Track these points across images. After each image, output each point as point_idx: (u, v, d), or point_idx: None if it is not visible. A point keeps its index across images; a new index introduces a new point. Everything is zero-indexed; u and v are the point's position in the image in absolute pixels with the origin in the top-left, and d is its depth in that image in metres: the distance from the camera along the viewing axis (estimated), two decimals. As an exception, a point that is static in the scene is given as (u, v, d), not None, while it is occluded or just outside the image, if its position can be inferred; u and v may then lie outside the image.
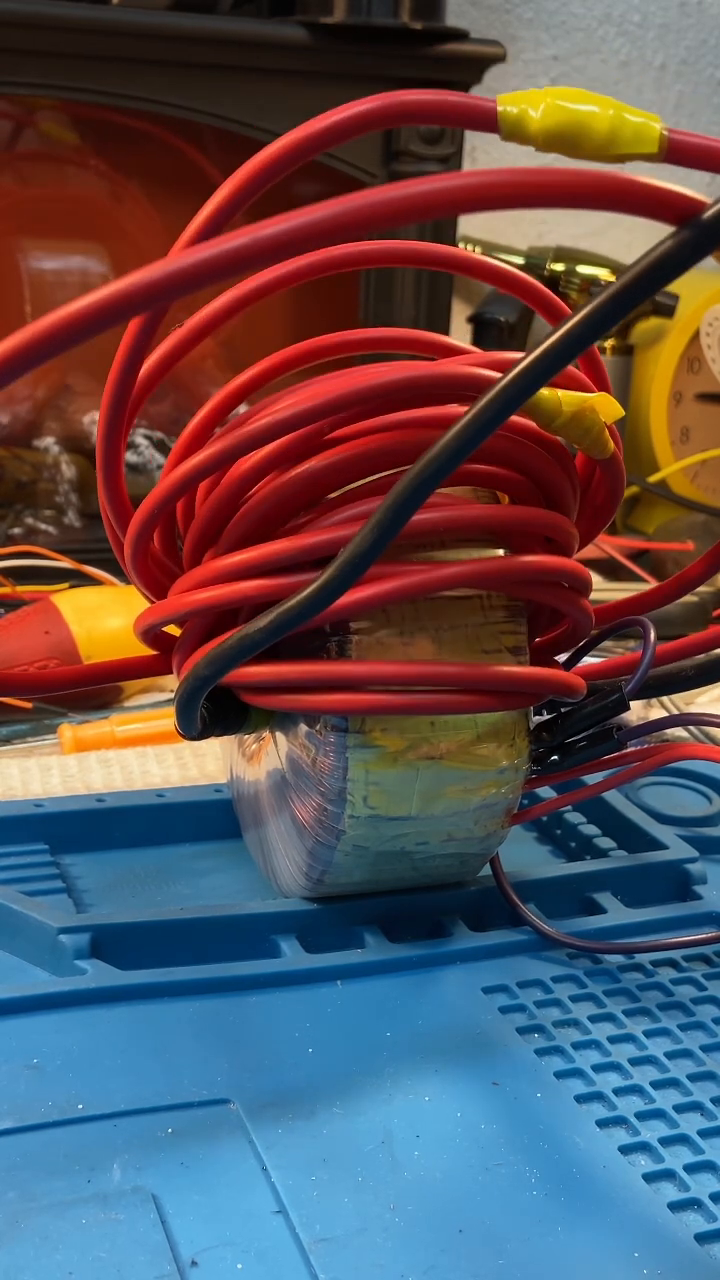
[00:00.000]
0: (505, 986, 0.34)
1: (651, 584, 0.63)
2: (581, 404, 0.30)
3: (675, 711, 0.56)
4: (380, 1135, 0.28)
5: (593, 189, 0.22)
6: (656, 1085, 0.30)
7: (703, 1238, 0.26)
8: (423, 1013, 0.33)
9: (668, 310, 0.91)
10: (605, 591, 0.73)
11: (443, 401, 0.31)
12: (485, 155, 1.00)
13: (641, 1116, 0.30)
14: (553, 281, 0.92)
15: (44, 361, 0.20)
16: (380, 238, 0.30)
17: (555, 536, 0.33)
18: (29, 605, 0.59)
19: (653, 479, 0.92)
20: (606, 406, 0.31)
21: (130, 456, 0.84)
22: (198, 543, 0.33)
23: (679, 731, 0.51)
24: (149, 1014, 0.32)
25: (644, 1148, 0.29)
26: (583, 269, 0.93)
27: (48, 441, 0.84)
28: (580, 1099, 0.30)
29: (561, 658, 0.37)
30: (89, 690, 0.56)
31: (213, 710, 0.34)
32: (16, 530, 0.80)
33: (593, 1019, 0.33)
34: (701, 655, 0.37)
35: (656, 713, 0.58)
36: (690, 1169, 0.28)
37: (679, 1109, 0.30)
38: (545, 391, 0.30)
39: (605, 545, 0.79)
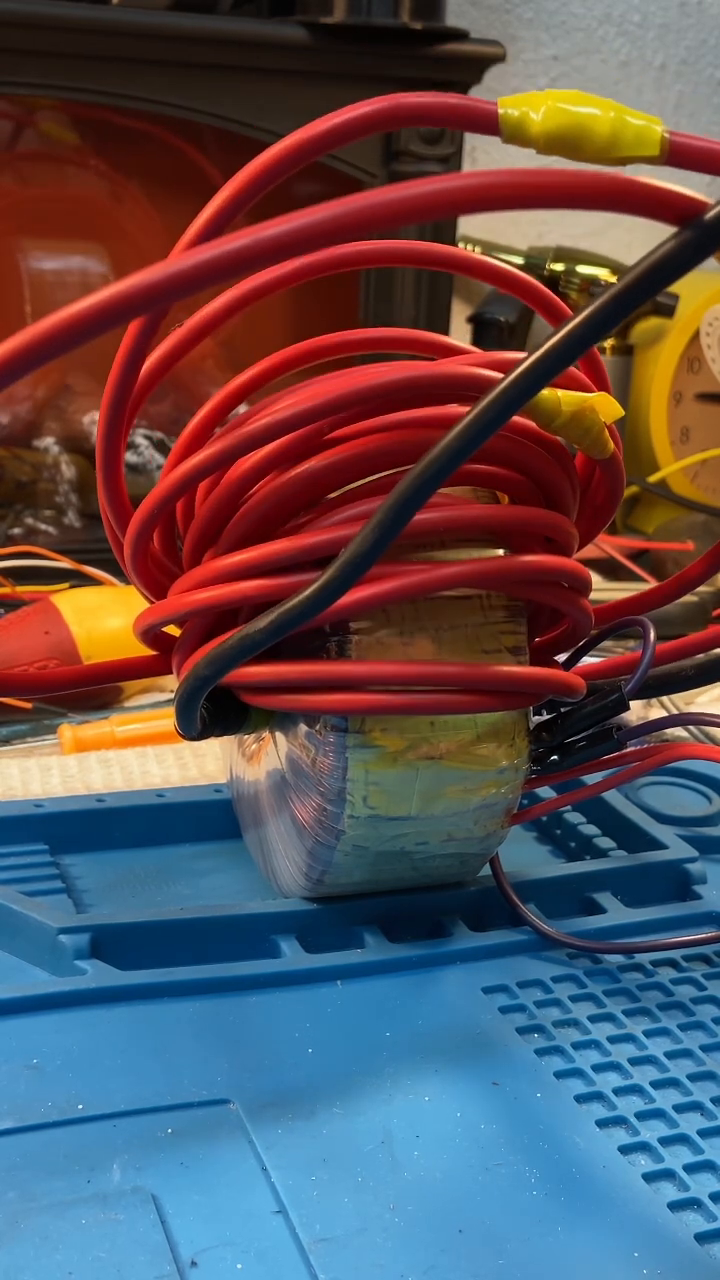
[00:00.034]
0: (505, 986, 0.34)
1: (651, 584, 0.63)
2: (581, 404, 0.30)
3: (675, 711, 0.56)
4: (380, 1135, 0.28)
5: (593, 190, 0.22)
6: (656, 1085, 0.31)
7: (703, 1238, 0.26)
8: (423, 1013, 0.33)
9: (668, 310, 0.91)
10: (605, 591, 0.73)
11: (443, 401, 0.31)
12: (485, 156, 1.00)
13: (641, 1116, 0.30)
14: (553, 281, 0.92)
15: (44, 364, 0.20)
16: (380, 238, 0.30)
17: (555, 536, 0.33)
18: (29, 605, 0.59)
19: (653, 479, 0.92)
20: (606, 406, 0.31)
21: (130, 456, 0.84)
22: (198, 543, 0.33)
23: (679, 731, 0.51)
24: (149, 1014, 0.32)
25: (644, 1148, 0.29)
26: (583, 269, 0.93)
27: (48, 441, 0.84)
28: (580, 1099, 0.30)
29: (561, 658, 0.37)
30: (89, 690, 0.56)
31: (213, 710, 0.34)
32: (16, 530, 0.80)
33: (593, 1019, 0.33)
34: (701, 655, 0.37)
35: (656, 713, 0.58)
36: (690, 1169, 0.28)
37: (679, 1109, 0.30)
38: (545, 391, 0.30)
39: (605, 545, 0.79)
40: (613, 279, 0.92)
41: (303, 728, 0.33)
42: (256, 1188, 0.27)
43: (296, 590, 0.29)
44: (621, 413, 0.31)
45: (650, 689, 0.37)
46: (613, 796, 0.43)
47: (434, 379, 0.30)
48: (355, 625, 0.31)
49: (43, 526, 0.81)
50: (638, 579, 0.78)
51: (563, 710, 0.36)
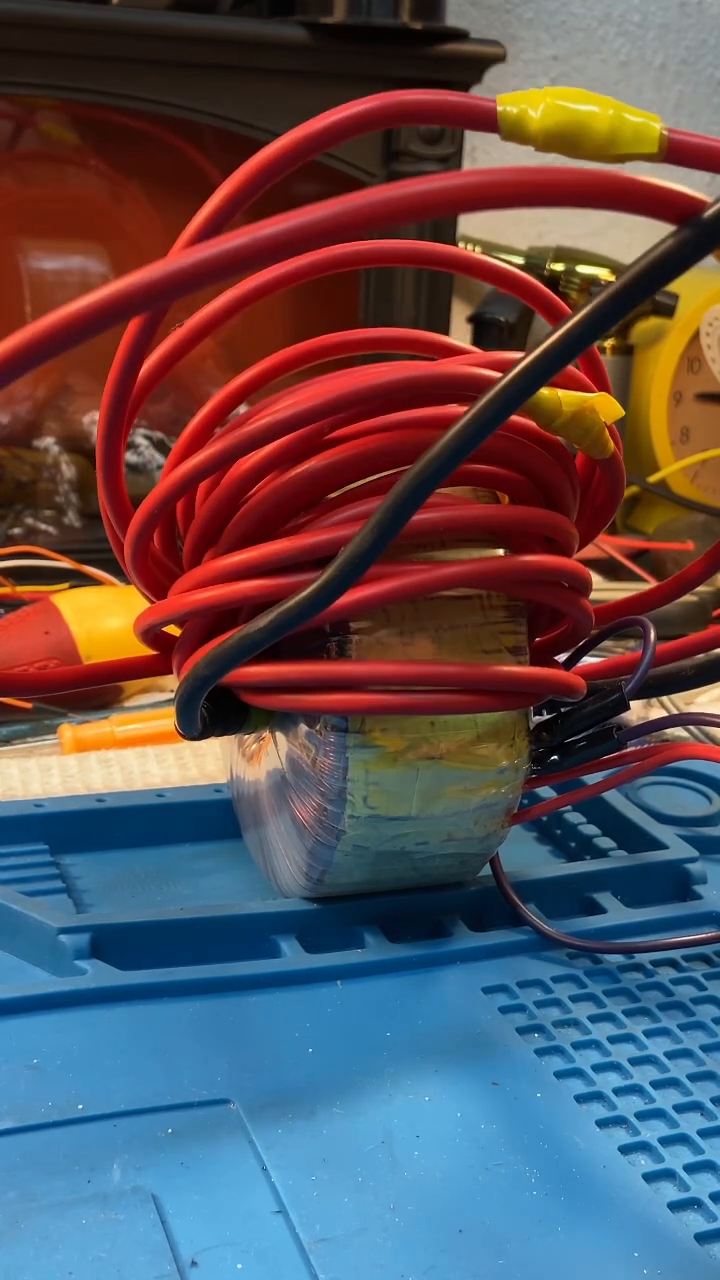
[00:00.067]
0: (505, 986, 0.34)
1: (651, 584, 0.63)
2: (581, 404, 0.30)
3: (675, 711, 0.56)
4: (380, 1135, 0.28)
5: (593, 188, 0.22)
6: (656, 1085, 0.30)
7: (703, 1238, 0.26)
8: (423, 1013, 0.33)
9: (668, 310, 0.91)
10: (605, 591, 0.73)
11: (443, 401, 0.31)
12: (485, 155, 1.00)
13: (641, 1116, 0.30)
14: (553, 281, 0.92)
15: (44, 361, 0.20)
16: (380, 237, 0.30)
17: (555, 536, 0.33)
18: (29, 605, 0.59)
19: (653, 479, 0.92)
20: (606, 406, 0.31)
21: (130, 456, 0.84)
22: (198, 543, 0.33)
23: (679, 731, 0.51)
24: (149, 1014, 0.32)
25: (644, 1148, 0.29)
26: (583, 269, 0.93)
27: (48, 441, 0.84)
28: (580, 1099, 0.30)
29: (561, 658, 0.37)
30: (89, 690, 0.56)
31: (213, 710, 0.34)
32: (16, 530, 0.80)
33: (593, 1019, 0.33)
34: (701, 655, 0.37)
35: (656, 713, 0.58)
36: (690, 1169, 0.28)
37: (679, 1109, 0.30)
38: (545, 391, 0.30)
39: (605, 545, 0.79)
40: (613, 279, 0.92)
41: (303, 728, 0.33)
42: (256, 1188, 0.27)
43: (296, 590, 0.29)
44: (622, 413, 0.31)
45: (650, 689, 0.37)
46: (613, 796, 0.43)
47: (434, 379, 0.30)
48: (355, 625, 0.31)
49: (43, 526, 0.81)
50: (638, 579, 0.78)
51: (563, 710, 0.36)
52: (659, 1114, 0.30)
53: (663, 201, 0.22)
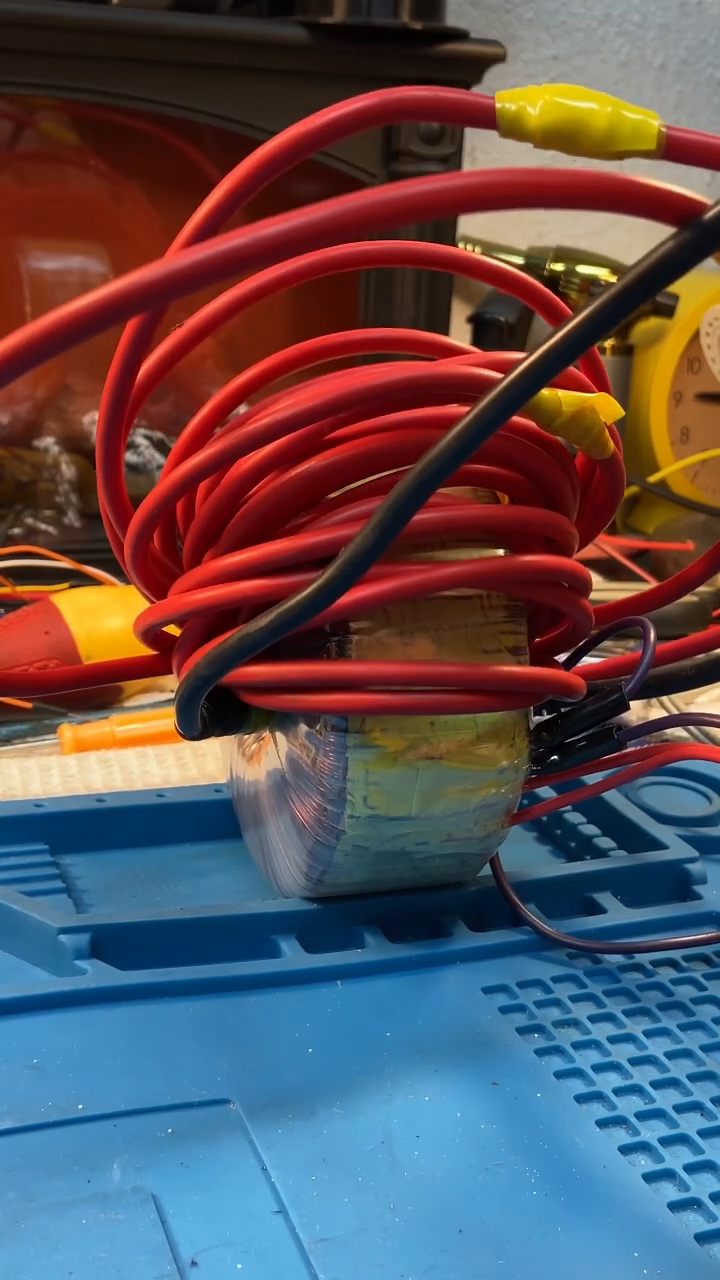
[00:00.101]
0: (505, 986, 0.34)
1: (651, 584, 0.63)
2: (581, 404, 0.30)
3: (675, 711, 0.56)
4: (380, 1135, 0.28)
5: (593, 189, 0.22)
6: (656, 1085, 0.30)
7: (703, 1238, 0.26)
8: (423, 1013, 0.33)
9: (668, 310, 0.91)
10: (605, 591, 0.73)
11: (443, 402, 0.31)
12: (485, 155, 1.00)
13: (641, 1116, 0.30)
14: (553, 281, 0.92)
15: (43, 361, 0.20)
16: (380, 237, 0.30)
17: (555, 536, 0.33)
18: (29, 605, 0.59)
19: (653, 479, 0.92)
20: (606, 406, 0.31)
21: (130, 456, 0.84)
22: (198, 543, 0.33)
23: (679, 731, 0.51)
24: (149, 1014, 0.32)
25: (644, 1148, 0.29)
26: (583, 269, 0.93)
27: (48, 441, 0.84)
28: (580, 1099, 0.30)
29: (561, 658, 0.37)
30: (89, 690, 0.56)
31: (213, 710, 0.34)
32: (16, 530, 0.80)
33: (593, 1019, 0.33)
34: (701, 655, 0.37)
35: (656, 713, 0.58)
36: (690, 1169, 0.28)
37: (679, 1109, 0.30)
38: (545, 391, 0.30)
39: (605, 545, 0.79)
40: (613, 279, 0.92)
41: (303, 728, 0.33)
42: (256, 1188, 0.27)
43: (296, 590, 0.29)
44: (622, 413, 0.31)
45: (650, 689, 0.37)
46: (613, 796, 0.43)
47: (434, 379, 0.30)
48: (355, 625, 0.31)
49: (43, 526, 0.81)
50: (638, 579, 0.78)
51: (563, 710, 0.36)
52: (659, 1114, 0.30)
53: (662, 203, 0.22)
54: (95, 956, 0.33)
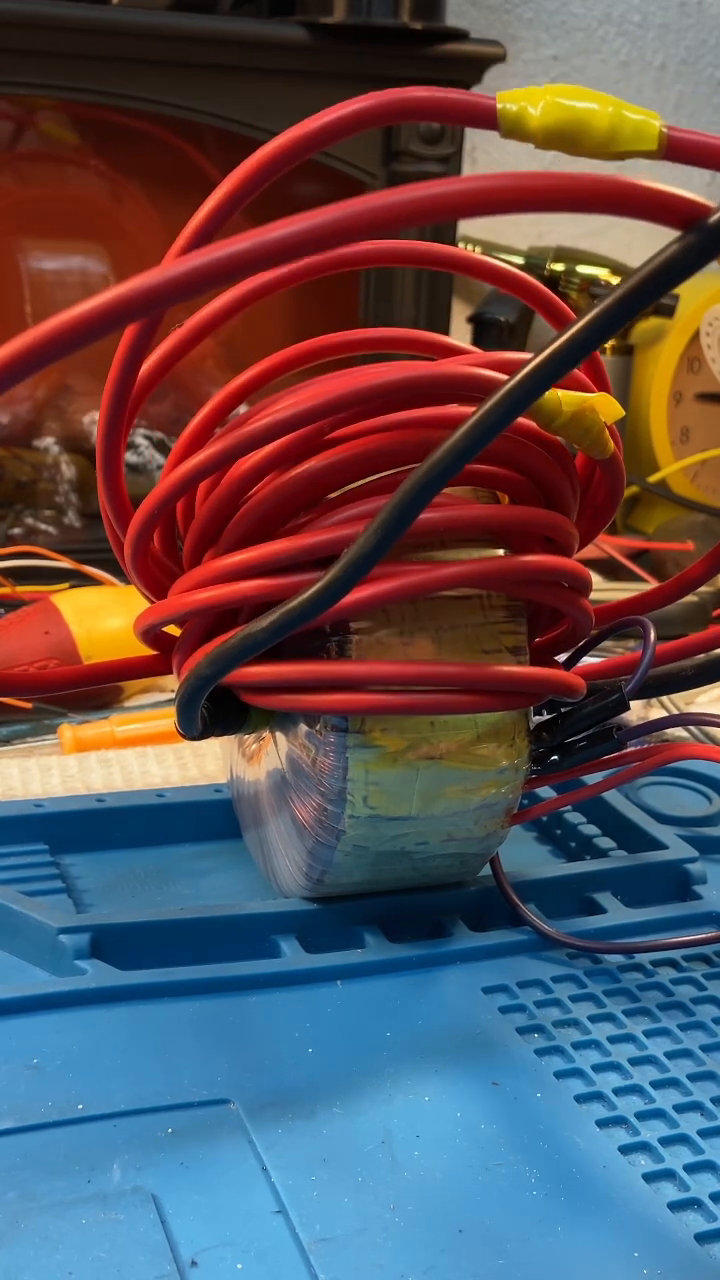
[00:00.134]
0: (505, 986, 0.34)
1: (651, 584, 0.63)
2: (582, 404, 0.30)
3: (675, 711, 0.56)
4: (380, 1135, 0.28)
5: (595, 193, 0.22)
6: (656, 1085, 0.30)
7: (703, 1238, 0.26)
8: (423, 1013, 0.33)
9: (668, 310, 0.91)
10: (605, 591, 0.73)
11: (443, 402, 0.31)
12: (485, 155, 1.00)
13: (641, 1116, 0.30)
14: (553, 281, 0.92)
15: (43, 368, 0.20)
16: (381, 238, 0.30)
17: (555, 536, 0.33)
18: (29, 605, 0.59)
19: (653, 479, 0.92)
20: (606, 407, 0.31)
21: (130, 456, 0.84)
22: (198, 543, 0.33)
23: (679, 731, 0.51)
24: (149, 1014, 0.32)
25: (644, 1148, 0.29)
26: (583, 269, 0.93)
27: (48, 441, 0.84)
28: (580, 1099, 0.30)
29: (561, 658, 0.37)
30: (89, 690, 0.56)
31: (213, 710, 0.34)
32: (16, 530, 0.80)
33: (593, 1019, 0.33)
34: (701, 655, 0.37)
35: (656, 713, 0.58)
36: (690, 1169, 0.28)
37: (679, 1109, 0.30)
38: (546, 392, 0.30)
39: (605, 545, 0.79)
40: (613, 279, 0.92)
41: (303, 728, 0.33)
42: (256, 1188, 0.27)
43: (297, 590, 0.29)
44: (622, 413, 0.31)
45: (650, 689, 0.37)
46: (613, 796, 0.43)
47: (434, 379, 0.30)
48: (355, 625, 0.31)
49: (43, 526, 0.81)
50: (638, 579, 0.78)
51: (563, 710, 0.36)
52: (659, 1114, 0.30)
53: (666, 206, 0.22)
54: (95, 956, 0.33)
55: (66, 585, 0.67)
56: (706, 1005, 0.34)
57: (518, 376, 0.25)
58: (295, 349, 0.34)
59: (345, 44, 0.75)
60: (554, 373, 0.25)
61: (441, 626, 0.32)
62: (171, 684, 0.45)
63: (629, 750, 0.36)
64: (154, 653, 0.37)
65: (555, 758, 0.36)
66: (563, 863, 0.41)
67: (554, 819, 0.43)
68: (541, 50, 1.03)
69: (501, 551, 0.32)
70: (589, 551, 0.71)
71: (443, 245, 0.33)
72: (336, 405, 0.29)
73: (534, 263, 0.94)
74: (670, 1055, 0.32)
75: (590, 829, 0.42)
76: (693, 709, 0.58)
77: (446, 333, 0.84)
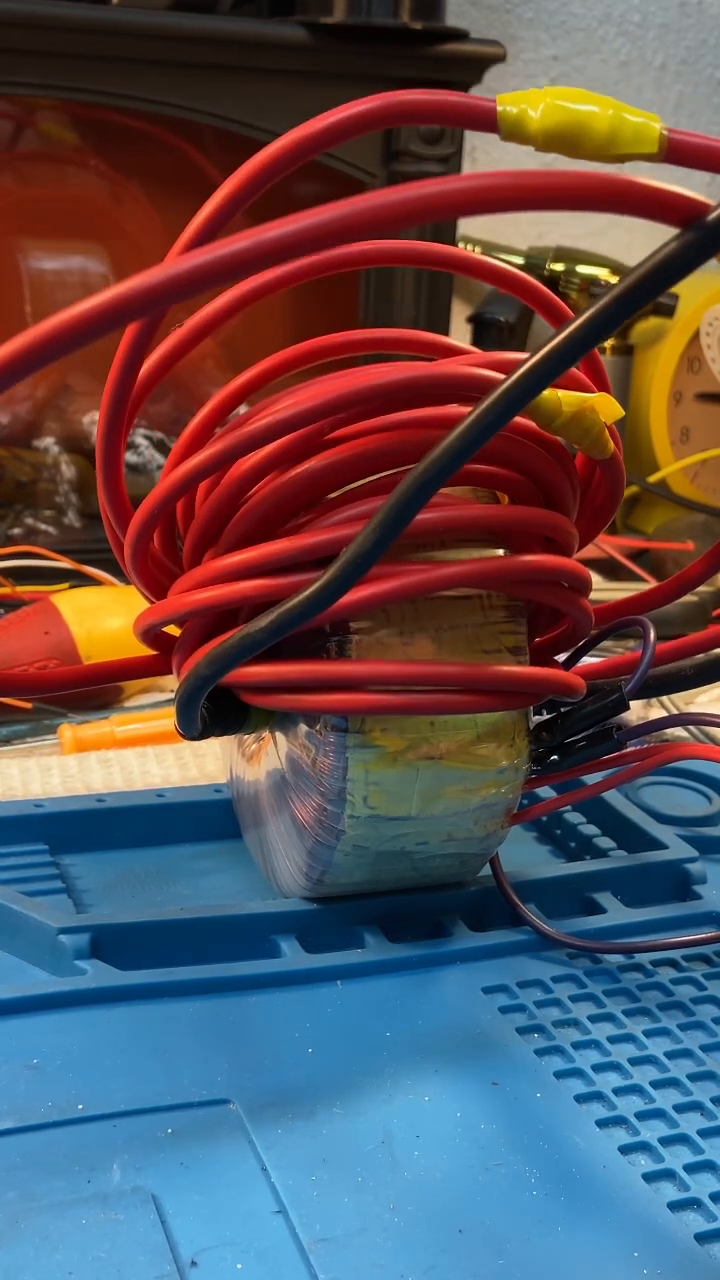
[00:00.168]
0: (505, 986, 0.34)
1: (651, 584, 0.63)
2: (581, 404, 0.30)
3: (675, 711, 0.56)
4: (380, 1135, 0.28)
5: (595, 191, 0.22)
6: (656, 1085, 0.30)
7: (703, 1238, 0.26)
8: (423, 1013, 0.33)
9: (668, 310, 0.91)
10: (605, 591, 0.73)
11: (443, 402, 0.31)
12: (485, 155, 1.00)
13: (641, 1116, 0.30)
14: (553, 281, 0.92)
15: (43, 366, 0.20)
16: (380, 237, 0.30)
17: (555, 536, 0.33)
18: (29, 605, 0.59)
19: (653, 479, 0.92)
20: (606, 407, 0.31)
21: (130, 456, 0.84)
22: (198, 543, 0.33)
23: (679, 731, 0.51)
24: (149, 1014, 0.32)
25: (644, 1147, 0.29)
26: (583, 269, 0.93)
27: (48, 441, 0.84)
28: (580, 1099, 0.30)
29: (561, 657, 0.37)
30: (89, 690, 0.56)
31: (213, 710, 0.34)
32: (16, 530, 0.80)
33: (593, 1019, 0.33)
34: (701, 655, 0.37)
35: (656, 713, 0.58)
36: (690, 1169, 0.28)
37: (679, 1109, 0.30)
38: (545, 392, 0.30)
39: (605, 545, 0.79)
40: (613, 279, 0.92)
41: (303, 728, 0.33)
42: (256, 1188, 0.27)
43: (297, 590, 0.29)
44: (622, 413, 0.31)
45: (650, 689, 0.37)
46: (613, 796, 0.43)
47: (434, 379, 0.30)
48: (355, 625, 0.31)
49: (43, 526, 0.81)
50: (638, 579, 0.78)
51: (563, 710, 0.36)
52: (659, 1114, 0.30)
53: (664, 204, 0.22)
54: (95, 956, 0.33)
55: (66, 585, 0.67)
56: (706, 1005, 0.34)
57: (515, 375, 0.25)
58: (295, 349, 0.34)
59: (345, 44, 0.75)
60: (552, 371, 0.25)
61: (441, 626, 0.32)
62: (171, 684, 0.45)
63: (629, 750, 0.36)
64: (154, 653, 0.37)
65: (555, 758, 0.36)
66: (563, 863, 0.41)
67: (554, 819, 0.43)
68: (541, 50, 1.03)
69: (501, 551, 0.32)
70: (589, 551, 0.72)
71: (443, 245, 0.33)
72: (336, 405, 0.29)
73: (534, 263, 0.94)
74: (670, 1055, 0.32)
75: (590, 829, 0.42)
76: (693, 709, 0.58)
77: (446, 333, 0.84)
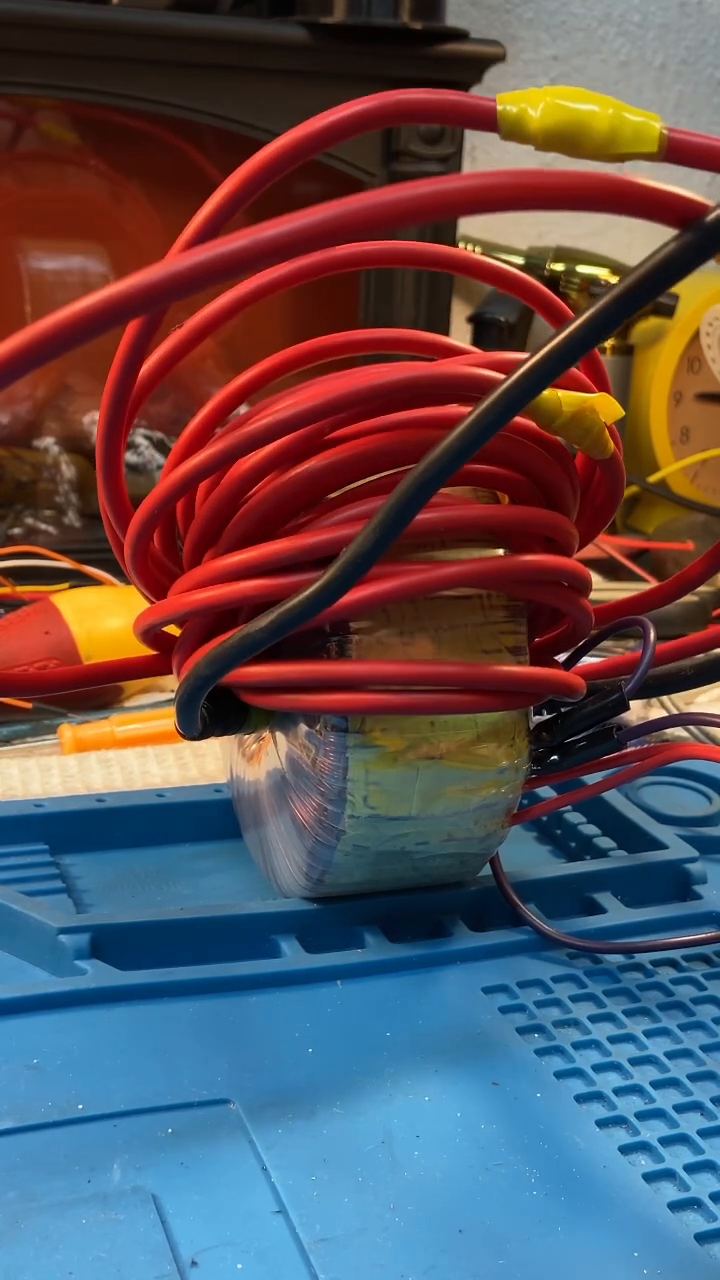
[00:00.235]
0: (505, 986, 0.34)
1: (651, 584, 0.63)
2: (581, 404, 0.30)
3: (675, 711, 0.56)
4: (380, 1135, 0.28)
5: (593, 191, 0.22)
6: (656, 1085, 0.30)
7: (703, 1238, 0.26)
8: (423, 1013, 0.33)
9: (668, 310, 0.91)
10: (605, 591, 0.73)
11: (443, 402, 0.31)
12: (485, 155, 1.00)
13: (641, 1116, 0.30)
14: (553, 281, 0.92)
15: (44, 364, 0.20)
16: (380, 238, 0.30)
17: (555, 536, 0.33)
18: (29, 605, 0.59)
19: (653, 479, 0.92)
20: (606, 407, 0.31)
21: (130, 456, 0.84)
22: (198, 543, 0.33)
23: (679, 731, 0.51)
24: (149, 1014, 0.32)
25: (644, 1147, 0.29)
26: (583, 269, 0.93)
27: (48, 441, 0.84)
28: (580, 1099, 0.30)
29: (561, 657, 0.37)
30: (89, 690, 0.56)
31: (213, 710, 0.34)
32: (16, 530, 0.80)
33: (593, 1019, 0.33)
34: (701, 655, 0.37)
35: (656, 712, 0.58)
36: (690, 1169, 0.28)
37: (679, 1109, 0.30)
38: (546, 392, 0.30)
39: (605, 545, 0.79)
40: (613, 279, 0.92)
41: (303, 728, 0.33)
42: (256, 1188, 0.27)
43: (297, 590, 0.29)
44: (622, 413, 0.31)
45: (650, 689, 0.37)
46: (613, 796, 0.43)
47: (434, 379, 0.30)
48: (355, 625, 0.31)
49: (43, 526, 0.81)
50: (638, 579, 0.78)
51: (563, 710, 0.36)
52: (659, 1114, 0.30)
53: (663, 205, 0.22)
54: (95, 956, 0.33)
55: (66, 585, 0.67)
56: (706, 1005, 0.34)
57: (515, 375, 0.25)
58: (295, 349, 0.34)
59: (345, 44, 0.75)
60: (552, 371, 0.25)
61: (441, 626, 0.32)
62: (171, 684, 0.45)
63: (629, 750, 0.36)
64: (154, 653, 0.37)
65: (555, 758, 0.36)
66: (563, 863, 0.41)
67: (554, 819, 0.43)
68: (541, 50, 1.03)
69: (501, 551, 0.32)
70: (589, 551, 0.72)
71: (442, 245, 0.33)
72: (336, 405, 0.29)
73: (534, 263, 0.94)
74: (670, 1055, 0.32)
75: (590, 829, 0.42)
76: (693, 709, 0.58)
77: (446, 333, 0.84)
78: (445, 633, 0.32)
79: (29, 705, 0.56)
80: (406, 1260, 0.25)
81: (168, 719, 0.53)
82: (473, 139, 0.96)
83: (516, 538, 0.33)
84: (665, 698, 0.59)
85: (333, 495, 0.32)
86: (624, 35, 1.05)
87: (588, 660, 0.38)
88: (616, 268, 0.93)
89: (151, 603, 0.35)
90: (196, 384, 0.87)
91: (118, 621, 0.57)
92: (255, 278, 0.29)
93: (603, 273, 0.92)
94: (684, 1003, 0.34)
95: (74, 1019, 0.31)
